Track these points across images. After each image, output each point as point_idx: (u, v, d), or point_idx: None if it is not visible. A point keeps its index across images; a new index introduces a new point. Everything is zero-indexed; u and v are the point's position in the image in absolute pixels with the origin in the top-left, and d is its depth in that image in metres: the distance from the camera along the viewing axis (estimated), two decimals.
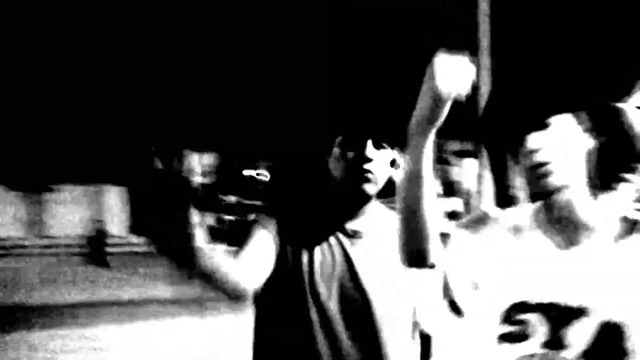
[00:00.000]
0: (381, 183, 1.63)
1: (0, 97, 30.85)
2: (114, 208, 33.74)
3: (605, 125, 1.21)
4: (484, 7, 10.94)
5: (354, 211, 1.66)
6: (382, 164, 1.62)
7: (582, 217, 1.25)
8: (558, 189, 1.22)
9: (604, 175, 1.22)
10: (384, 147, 1.62)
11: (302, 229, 1.65)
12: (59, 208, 33.22)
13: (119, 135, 31.35)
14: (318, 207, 1.70)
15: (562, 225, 1.26)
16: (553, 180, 1.21)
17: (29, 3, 32.45)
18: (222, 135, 29.80)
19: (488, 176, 11.37)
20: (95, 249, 21.85)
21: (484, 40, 11.01)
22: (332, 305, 1.60)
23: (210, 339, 8.27)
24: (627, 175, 1.23)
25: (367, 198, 1.64)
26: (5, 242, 28.56)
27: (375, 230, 1.66)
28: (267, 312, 1.65)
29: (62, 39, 32.39)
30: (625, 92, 1.23)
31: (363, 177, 1.59)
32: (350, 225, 1.66)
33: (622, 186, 1.23)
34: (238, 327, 5.39)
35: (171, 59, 33.14)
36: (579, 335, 1.21)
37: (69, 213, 32.86)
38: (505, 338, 1.25)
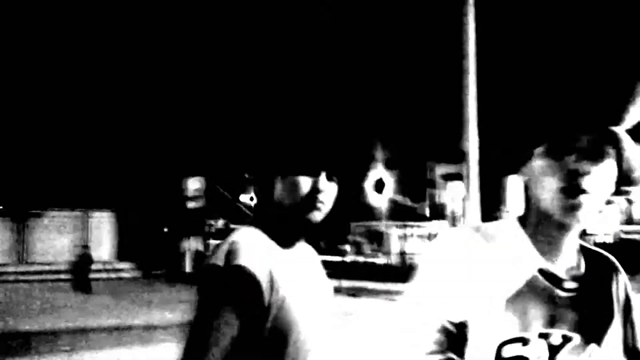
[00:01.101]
0: (325, 214, 1.71)
1: None
2: (101, 234, 33.47)
3: (604, 149, 1.21)
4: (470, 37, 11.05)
5: (301, 234, 1.76)
6: (330, 196, 1.70)
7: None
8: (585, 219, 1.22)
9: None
10: (333, 180, 1.70)
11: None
12: (44, 234, 32.92)
13: (108, 160, 31.23)
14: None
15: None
16: (585, 205, 1.20)
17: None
18: (211, 159, 29.75)
19: (474, 198, 11.39)
20: (79, 275, 21.58)
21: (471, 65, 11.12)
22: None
23: None
24: (613, 198, 1.23)
25: (311, 225, 1.72)
26: None
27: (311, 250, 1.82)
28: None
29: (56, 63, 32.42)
30: (617, 117, 1.22)
31: (315, 205, 1.66)
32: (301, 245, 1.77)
33: (607, 208, 1.24)
34: None
35: (154, 83, 33.20)
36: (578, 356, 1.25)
37: (54, 239, 32.57)
38: None
